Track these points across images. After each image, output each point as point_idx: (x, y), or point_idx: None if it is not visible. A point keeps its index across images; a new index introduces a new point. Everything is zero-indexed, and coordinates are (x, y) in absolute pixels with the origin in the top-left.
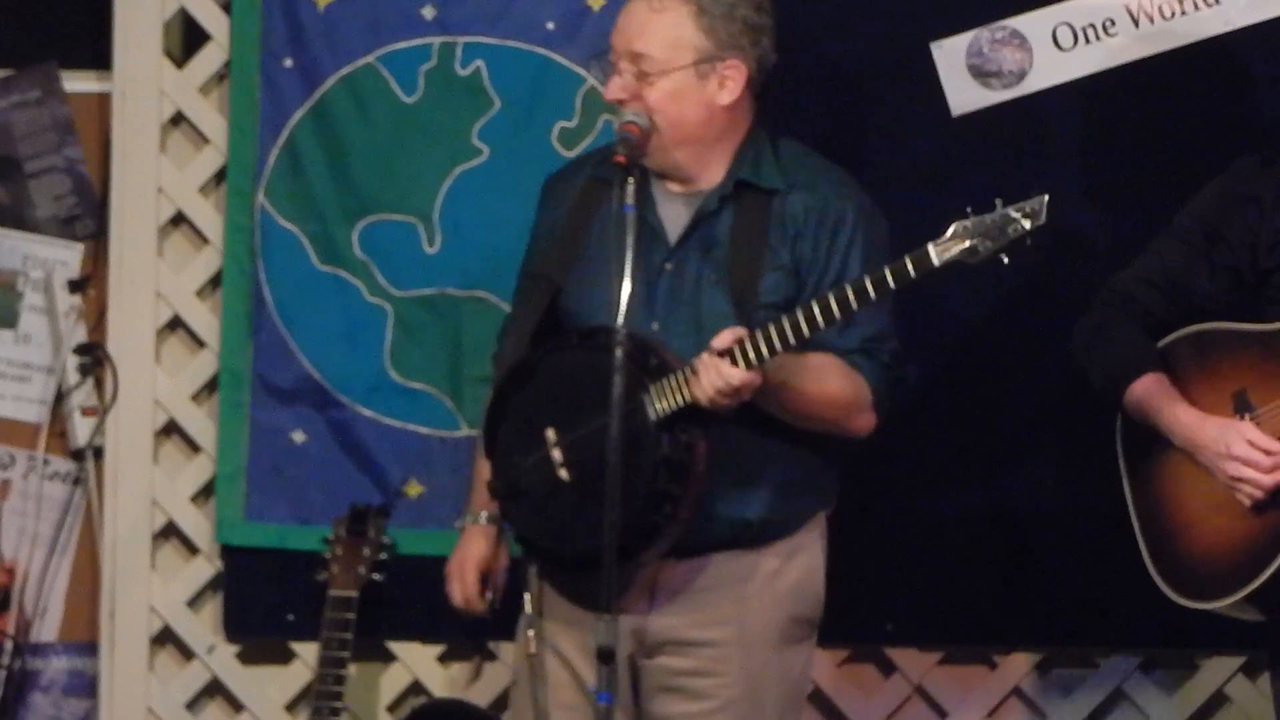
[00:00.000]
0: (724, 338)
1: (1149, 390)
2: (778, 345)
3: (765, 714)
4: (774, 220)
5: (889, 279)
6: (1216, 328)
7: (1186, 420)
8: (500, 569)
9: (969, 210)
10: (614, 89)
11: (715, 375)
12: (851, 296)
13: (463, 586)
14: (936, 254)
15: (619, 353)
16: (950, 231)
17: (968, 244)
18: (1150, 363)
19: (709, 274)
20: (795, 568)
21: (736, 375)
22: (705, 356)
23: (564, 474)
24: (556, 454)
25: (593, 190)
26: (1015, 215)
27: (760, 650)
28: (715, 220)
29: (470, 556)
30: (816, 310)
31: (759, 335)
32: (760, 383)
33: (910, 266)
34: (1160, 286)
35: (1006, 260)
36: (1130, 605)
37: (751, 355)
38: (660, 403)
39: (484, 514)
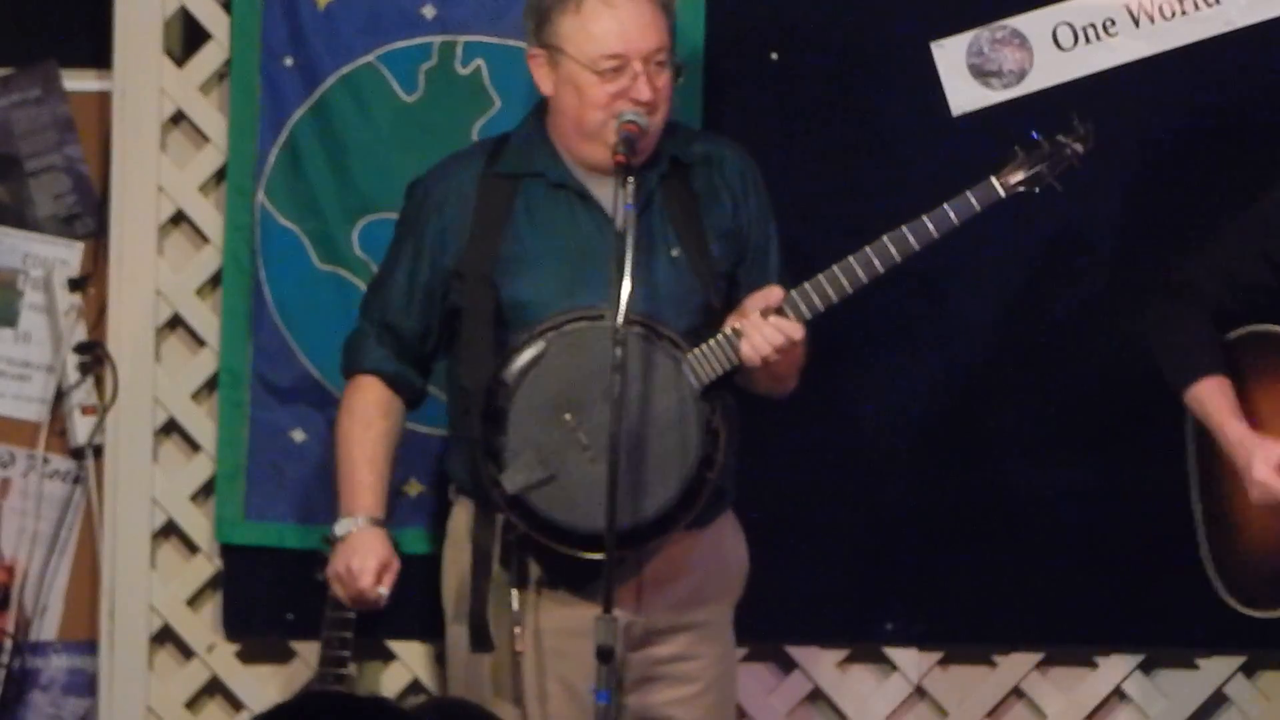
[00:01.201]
0: (775, 294)
1: (1206, 396)
2: (833, 296)
3: (732, 690)
4: (701, 190)
5: (951, 216)
6: (1276, 330)
7: (1232, 437)
8: (393, 570)
9: (1015, 147)
10: (646, 90)
11: (773, 332)
12: (911, 238)
13: (358, 580)
14: (1000, 185)
15: (618, 352)
16: (1008, 164)
17: (1025, 172)
18: (1210, 365)
19: (663, 249)
20: (732, 547)
21: (798, 330)
22: (755, 317)
23: (593, 455)
24: (582, 437)
25: (495, 187)
26: (1065, 140)
27: (723, 629)
28: (653, 197)
29: (369, 561)
30: (874, 257)
31: (808, 289)
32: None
33: (974, 200)
34: (1222, 277)
35: (1060, 189)
36: (1130, 605)
37: (804, 309)
38: (701, 370)
39: (362, 518)
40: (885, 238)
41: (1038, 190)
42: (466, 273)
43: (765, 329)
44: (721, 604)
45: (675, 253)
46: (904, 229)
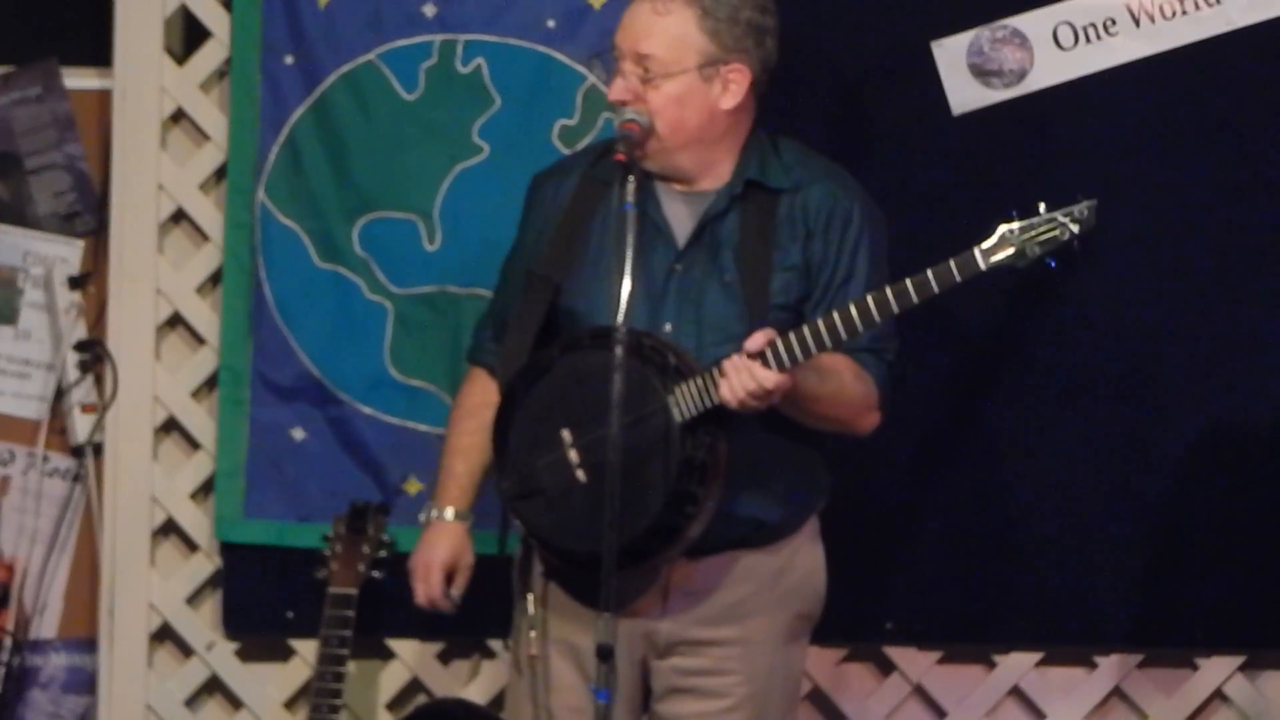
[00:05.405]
0: (757, 340)
1: None
2: (812, 347)
3: (772, 710)
4: (782, 220)
5: (932, 282)
6: None
7: None
8: (465, 567)
9: (1013, 213)
10: (618, 90)
11: (748, 378)
12: (892, 299)
13: (427, 586)
14: (983, 258)
15: (619, 351)
16: (997, 235)
17: (1014, 249)
18: None
19: (718, 275)
20: (800, 565)
21: (770, 378)
22: (736, 359)
23: (581, 475)
24: (573, 455)
25: (588, 190)
26: (1064, 220)
27: (769, 648)
28: (723, 220)
29: (436, 555)
30: (854, 312)
31: (791, 337)
32: (791, 385)
33: (955, 269)
34: None
35: (1054, 265)
36: (1130, 605)
37: (785, 357)
38: (684, 404)
39: (450, 510)
40: (869, 297)
41: (1020, 266)
42: (536, 271)
43: (742, 372)
44: (772, 623)
45: (728, 278)
46: (887, 289)
